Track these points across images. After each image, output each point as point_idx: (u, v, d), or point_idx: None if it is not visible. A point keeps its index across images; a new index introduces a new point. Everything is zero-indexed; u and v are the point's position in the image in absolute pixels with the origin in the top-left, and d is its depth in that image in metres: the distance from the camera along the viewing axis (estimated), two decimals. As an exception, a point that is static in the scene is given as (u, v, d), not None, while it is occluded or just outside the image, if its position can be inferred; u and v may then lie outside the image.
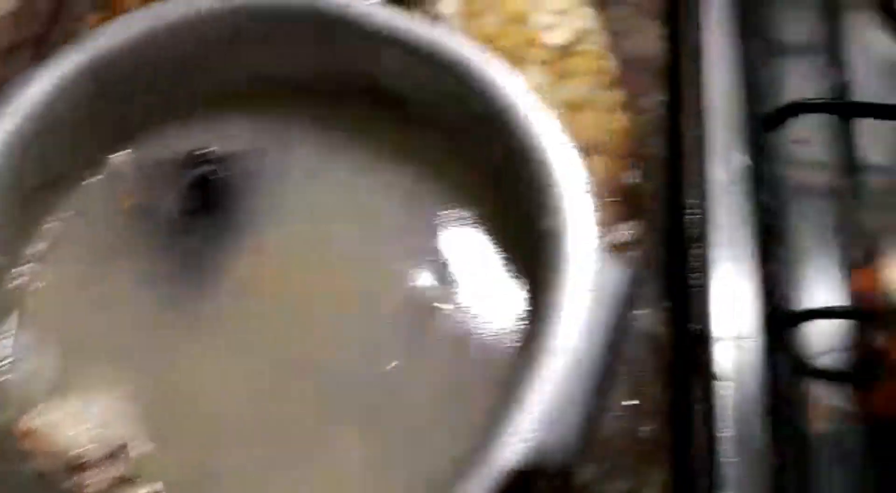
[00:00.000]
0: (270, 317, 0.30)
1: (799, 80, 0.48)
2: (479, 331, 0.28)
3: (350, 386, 0.28)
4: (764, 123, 0.43)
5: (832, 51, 0.45)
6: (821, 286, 0.43)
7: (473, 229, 0.30)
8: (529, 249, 0.26)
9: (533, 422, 0.22)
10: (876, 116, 0.41)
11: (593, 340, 0.23)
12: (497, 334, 0.28)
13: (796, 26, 0.49)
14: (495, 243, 0.29)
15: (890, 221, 0.40)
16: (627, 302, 0.24)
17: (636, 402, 0.37)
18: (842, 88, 0.44)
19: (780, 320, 0.38)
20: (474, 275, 0.29)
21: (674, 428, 0.38)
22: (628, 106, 0.44)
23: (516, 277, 0.28)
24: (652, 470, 0.37)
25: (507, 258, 0.29)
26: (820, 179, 0.45)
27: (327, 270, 0.31)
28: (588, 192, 0.25)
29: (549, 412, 0.22)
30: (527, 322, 0.25)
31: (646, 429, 0.37)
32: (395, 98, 0.32)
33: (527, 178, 0.26)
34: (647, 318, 0.40)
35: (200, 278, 0.32)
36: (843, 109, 0.42)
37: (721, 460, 0.36)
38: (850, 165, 0.42)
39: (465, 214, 0.30)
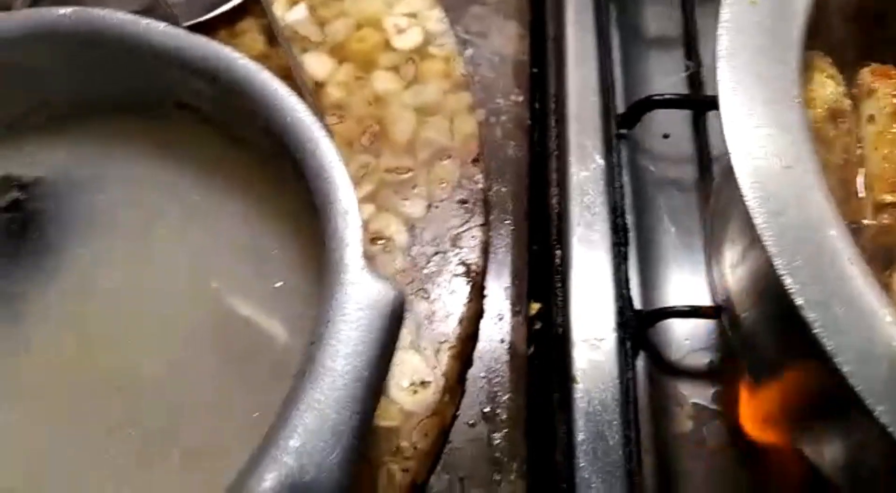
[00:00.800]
0: (82, 347, 0.29)
1: (660, 75, 0.47)
2: (284, 347, 0.28)
3: (149, 410, 0.27)
4: (621, 119, 0.43)
5: (689, 43, 0.45)
6: (687, 282, 0.42)
7: (279, 247, 0.29)
8: (316, 269, 0.25)
9: (284, 454, 0.21)
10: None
11: (357, 364, 0.22)
12: (296, 348, 0.27)
13: (657, 20, 0.49)
14: (295, 259, 0.29)
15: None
16: (395, 322, 0.23)
17: (489, 409, 0.37)
18: (698, 81, 0.44)
19: (635, 321, 0.38)
20: (278, 292, 0.29)
21: (529, 434, 0.38)
22: (484, 108, 0.44)
23: (314, 295, 0.27)
24: (507, 477, 0.36)
25: (305, 275, 0.28)
26: (680, 173, 0.44)
27: (141, 293, 0.31)
28: (355, 211, 0.24)
29: (304, 442, 0.21)
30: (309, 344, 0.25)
31: (500, 436, 0.37)
32: (202, 115, 0.31)
33: (311, 196, 0.25)
34: (503, 324, 0.39)
35: (10, 309, 0.31)
36: (695, 103, 0.42)
37: (577, 463, 0.36)
38: (706, 159, 0.42)
39: (271, 231, 0.30)
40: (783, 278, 0.18)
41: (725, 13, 0.22)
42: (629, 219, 0.41)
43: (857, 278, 0.19)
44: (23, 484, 0.27)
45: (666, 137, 0.45)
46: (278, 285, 0.28)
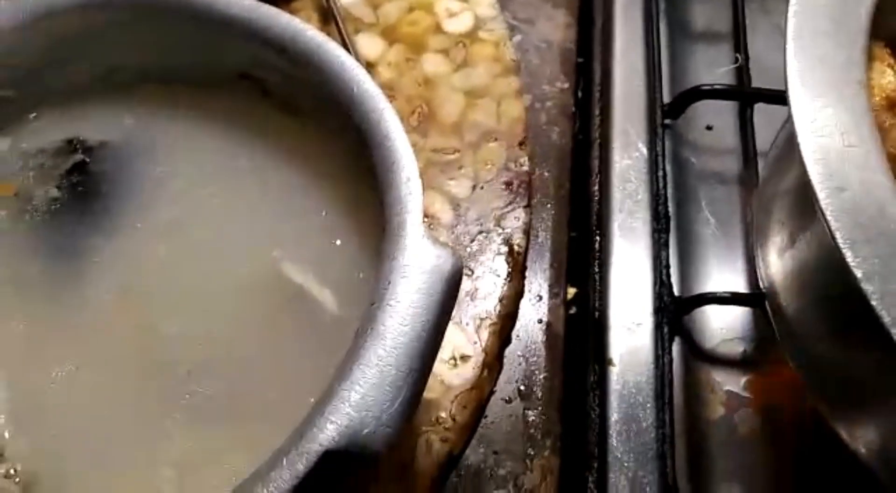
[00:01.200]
0: (136, 310, 0.30)
1: (705, 68, 0.48)
2: (333, 316, 0.28)
3: (199, 375, 0.28)
4: (666, 109, 0.43)
5: (737, 36, 0.45)
6: (724, 274, 0.43)
7: (331, 213, 0.30)
8: (375, 235, 0.26)
9: (346, 405, 0.22)
10: (774, 103, 0.41)
11: (416, 324, 0.23)
12: (345, 318, 0.28)
13: (704, 14, 0.49)
14: (350, 229, 0.29)
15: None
16: (452, 287, 0.24)
17: (524, 387, 0.38)
18: (746, 74, 0.44)
19: (673, 306, 0.38)
20: (331, 260, 0.30)
21: (564, 412, 0.38)
22: (530, 94, 0.44)
23: (367, 263, 0.28)
24: (541, 453, 0.37)
25: (359, 244, 0.29)
26: (722, 165, 0.45)
27: (196, 258, 0.31)
28: (417, 179, 0.25)
29: (364, 395, 0.22)
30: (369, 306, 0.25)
31: (534, 413, 0.37)
32: (263, 86, 0.32)
33: (372, 166, 0.26)
34: (541, 305, 0.40)
35: (70, 267, 0.32)
36: (743, 94, 0.42)
37: (610, 443, 0.36)
38: (751, 151, 0.42)
39: (326, 198, 0.30)
40: (843, 251, 0.19)
41: (794, -4, 0.23)
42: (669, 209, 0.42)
43: (916, 256, 0.19)
44: (74, 441, 0.28)
45: (709, 128, 0.46)
46: (338, 243, 0.28)
